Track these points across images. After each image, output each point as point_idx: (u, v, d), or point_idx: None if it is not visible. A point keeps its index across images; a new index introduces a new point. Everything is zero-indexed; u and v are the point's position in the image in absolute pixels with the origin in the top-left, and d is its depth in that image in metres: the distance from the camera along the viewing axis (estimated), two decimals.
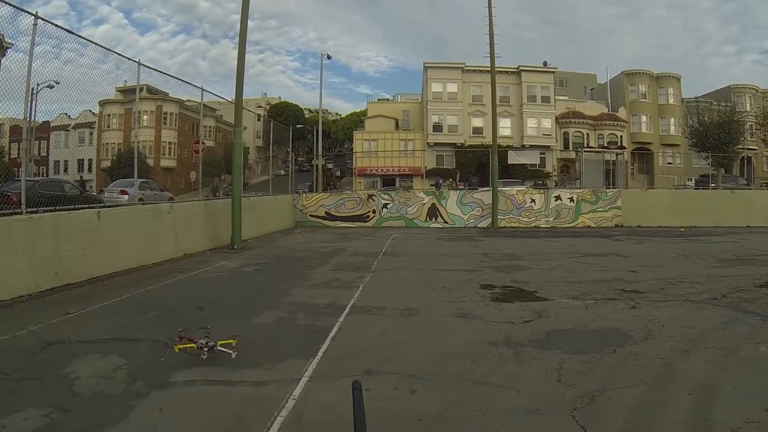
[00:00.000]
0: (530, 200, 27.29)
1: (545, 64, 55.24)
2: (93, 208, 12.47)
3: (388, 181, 50.33)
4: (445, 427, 4.21)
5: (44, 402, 4.61)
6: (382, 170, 51.57)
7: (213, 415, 4.47)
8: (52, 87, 12.88)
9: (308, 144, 77.15)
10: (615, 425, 4.14)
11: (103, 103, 49.29)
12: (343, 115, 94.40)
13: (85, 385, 5.06)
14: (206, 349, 5.77)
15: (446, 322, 7.56)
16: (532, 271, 12.19)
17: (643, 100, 55.55)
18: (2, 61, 11.01)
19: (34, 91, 11.39)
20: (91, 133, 54.81)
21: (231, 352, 5.82)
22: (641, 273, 11.68)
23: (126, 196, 18.79)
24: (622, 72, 57.27)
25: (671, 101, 55.93)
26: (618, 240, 19.62)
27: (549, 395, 4.73)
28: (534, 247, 17.35)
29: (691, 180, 43.53)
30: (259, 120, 64.76)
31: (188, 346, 5.89)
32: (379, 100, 70.98)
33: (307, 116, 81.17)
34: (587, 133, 53.08)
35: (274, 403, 4.58)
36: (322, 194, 29.89)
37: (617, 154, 35.12)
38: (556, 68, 54.82)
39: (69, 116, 46.09)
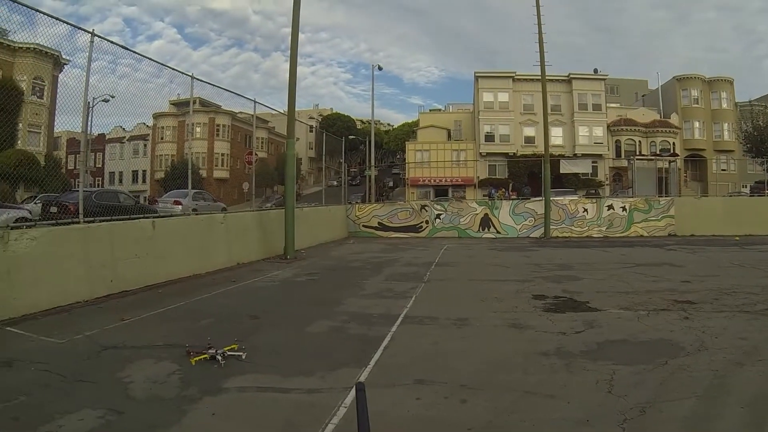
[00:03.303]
0: (582, 209, 27.02)
1: (596, 71, 54.32)
2: (148, 218, 12.95)
3: (441, 192, 50.15)
4: None
5: (99, 404, 4.85)
6: (434, 180, 51.55)
7: (265, 421, 4.64)
8: (107, 101, 13.47)
9: (360, 155, 77.51)
10: None
11: (156, 116, 51.09)
12: (395, 126, 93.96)
13: (139, 389, 5.31)
14: (219, 357, 6.11)
15: (498, 332, 7.62)
16: (584, 282, 12.09)
17: (696, 105, 53.79)
18: (60, 77, 11.59)
19: (91, 105, 11.88)
20: (145, 145, 56.90)
21: (241, 354, 6.28)
22: (694, 283, 11.45)
23: (180, 207, 19.33)
24: (674, 77, 55.68)
25: (724, 106, 54.03)
26: (671, 249, 19.21)
27: (599, 406, 4.74)
28: (586, 257, 17.18)
29: (746, 187, 42.21)
30: (311, 131, 65.69)
31: (202, 357, 6.16)
32: (431, 110, 70.47)
33: (359, 127, 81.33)
34: (639, 141, 51.87)
35: (326, 411, 4.69)
36: (375, 204, 30.23)
37: (670, 162, 34.25)
38: (607, 75, 53.82)
39: (124, 129, 48.13)
